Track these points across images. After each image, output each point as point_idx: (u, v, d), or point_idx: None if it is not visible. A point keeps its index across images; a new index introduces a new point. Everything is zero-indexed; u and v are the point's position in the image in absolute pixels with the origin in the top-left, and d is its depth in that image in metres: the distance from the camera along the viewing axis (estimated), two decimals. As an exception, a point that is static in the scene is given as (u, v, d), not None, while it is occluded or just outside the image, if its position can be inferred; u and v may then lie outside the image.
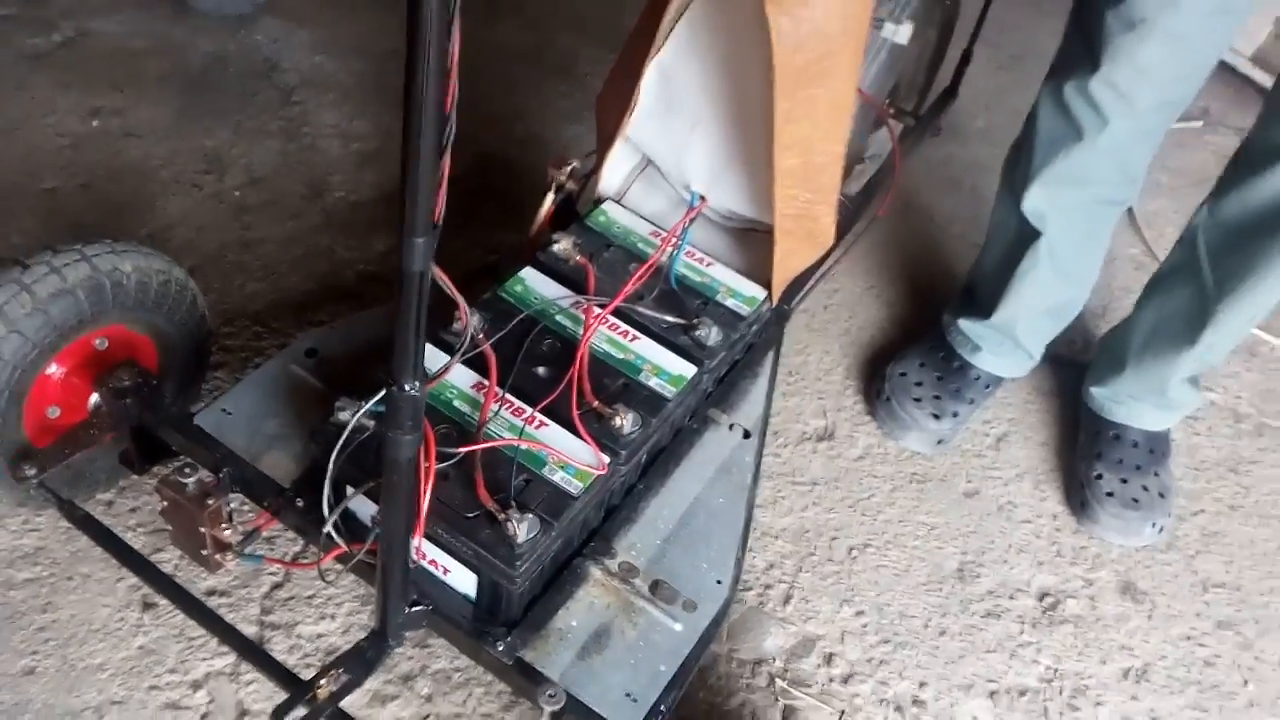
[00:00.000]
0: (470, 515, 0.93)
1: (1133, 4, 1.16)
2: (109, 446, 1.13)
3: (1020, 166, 1.39)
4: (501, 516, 0.91)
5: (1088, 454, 1.49)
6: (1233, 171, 1.30)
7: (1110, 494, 1.43)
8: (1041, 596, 1.36)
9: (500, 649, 0.94)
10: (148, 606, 1.15)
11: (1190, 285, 1.35)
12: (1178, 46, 1.18)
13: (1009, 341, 1.50)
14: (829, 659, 1.25)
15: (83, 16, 1.92)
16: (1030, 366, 1.56)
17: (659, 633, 0.99)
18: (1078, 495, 1.46)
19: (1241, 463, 1.60)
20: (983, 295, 1.50)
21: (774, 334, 1.26)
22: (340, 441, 0.92)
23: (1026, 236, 1.40)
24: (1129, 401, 1.48)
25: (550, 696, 0.91)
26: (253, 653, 1.02)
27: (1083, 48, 1.25)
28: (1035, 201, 1.37)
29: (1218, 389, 1.70)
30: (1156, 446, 1.49)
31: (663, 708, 0.95)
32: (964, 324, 1.52)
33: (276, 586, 1.19)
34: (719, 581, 1.05)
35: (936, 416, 1.47)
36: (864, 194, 1.51)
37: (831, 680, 1.23)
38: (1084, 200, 1.37)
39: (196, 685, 1.10)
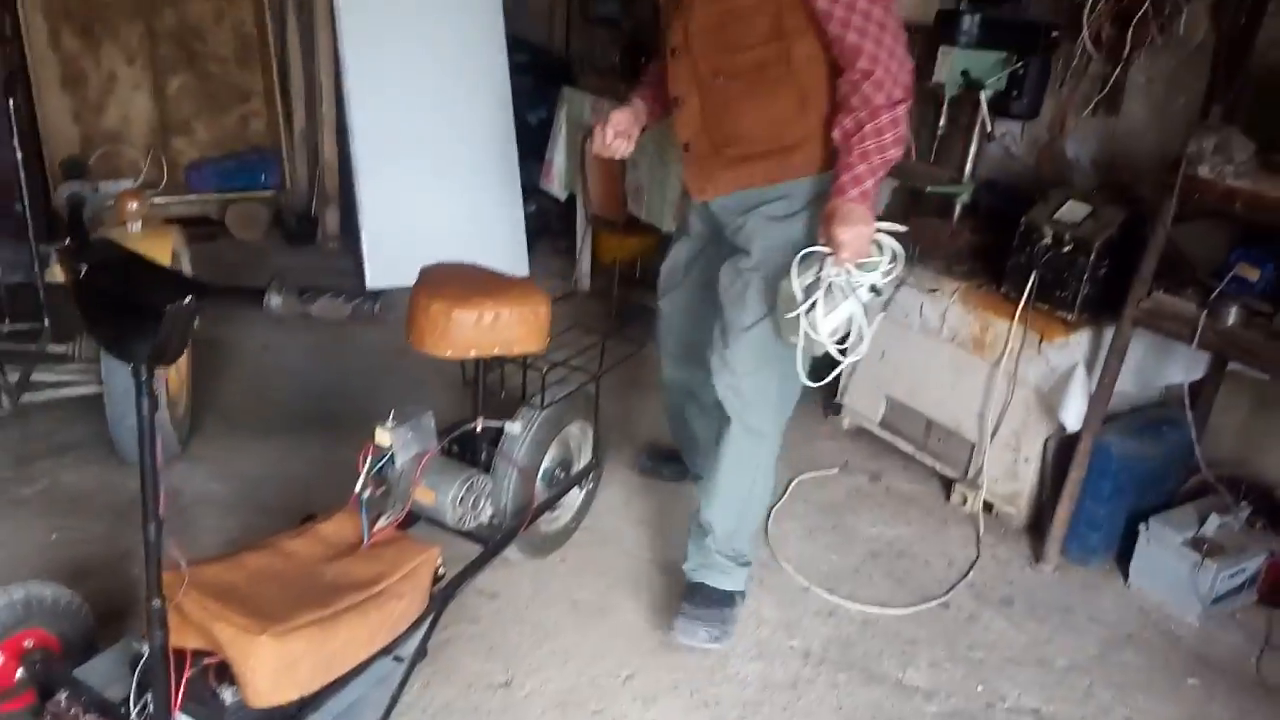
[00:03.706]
0: (209, 695, 1.73)
1: None
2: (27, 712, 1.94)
3: None
4: (220, 691, 1.72)
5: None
6: None
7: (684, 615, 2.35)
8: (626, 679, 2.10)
9: (226, 774, 1.71)
10: (37, 802, 1.89)
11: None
12: None
13: None
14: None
15: (56, 473, 2.93)
16: None
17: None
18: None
19: (800, 682, 2.36)
20: None
21: (435, 606, 2.10)
22: (139, 667, 1.76)
23: None
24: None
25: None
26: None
27: None
28: None
29: (798, 638, 2.50)
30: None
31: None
32: None
33: (119, 789, 1.93)
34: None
35: None
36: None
37: None
38: None
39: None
